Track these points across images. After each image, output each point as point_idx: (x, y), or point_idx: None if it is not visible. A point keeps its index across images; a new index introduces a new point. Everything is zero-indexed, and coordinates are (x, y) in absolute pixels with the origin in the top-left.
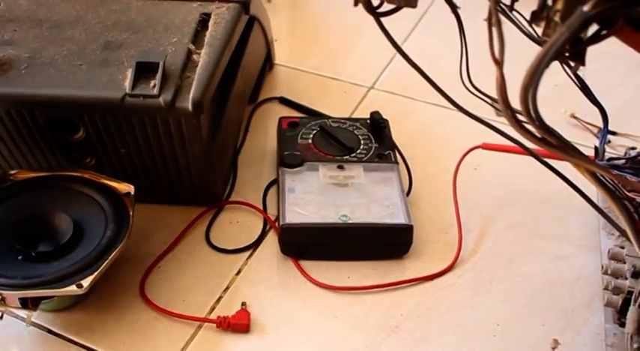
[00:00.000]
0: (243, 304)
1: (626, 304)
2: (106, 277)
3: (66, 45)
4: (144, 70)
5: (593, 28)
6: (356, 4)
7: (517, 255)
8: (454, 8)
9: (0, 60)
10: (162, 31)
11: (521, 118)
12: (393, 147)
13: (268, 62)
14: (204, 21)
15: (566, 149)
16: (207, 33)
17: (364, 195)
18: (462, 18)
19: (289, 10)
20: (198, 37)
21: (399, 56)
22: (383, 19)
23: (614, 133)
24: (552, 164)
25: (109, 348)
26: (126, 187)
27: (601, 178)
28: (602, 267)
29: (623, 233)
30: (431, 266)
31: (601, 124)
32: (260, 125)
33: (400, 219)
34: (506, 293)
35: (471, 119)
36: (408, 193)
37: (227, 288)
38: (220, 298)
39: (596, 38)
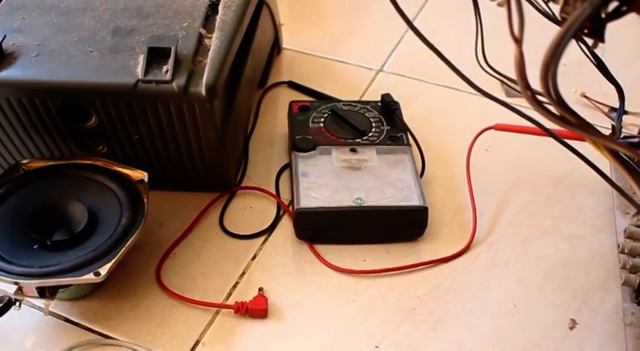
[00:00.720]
0: (261, 289)
1: None
2: (122, 264)
3: (75, 32)
4: (156, 56)
5: (613, 5)
6: None
7: (532, 236)
8: None
9: (7, 49)
10: (172, 16)
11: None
12: (405, 129)
13: (276, 46)
14: (214, 5)
15: (586, 128)
16: (218, 17)
17: (378, 178)
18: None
19: None
20: (208, 21)
21: (406, 38)
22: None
23: (625, 112)
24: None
25: (126, 335)
26: (139, 174)
27: (620, 155)
28: (619, 246)
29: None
30: (446, 248)
31: (611, 103)
32: (269, 110)
33: (415, 201)
34: (522, 274)
35: (482, 100)
36: (422, 176)
37: (243, 273)
38: (237, 283)
39: (617, 14)
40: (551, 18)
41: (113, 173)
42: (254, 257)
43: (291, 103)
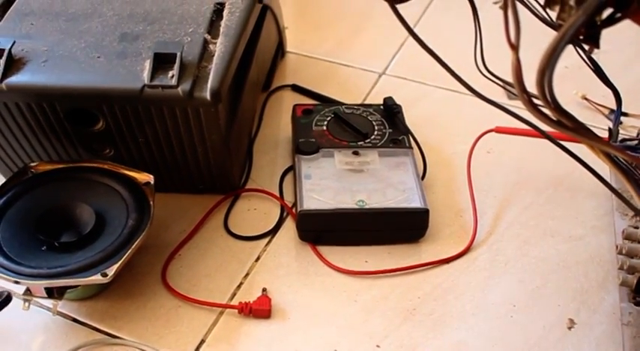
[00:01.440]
0: (264, 290)
1: None
2: (128, 265)
3: (83, 37)
4: (161, 61)
5: (607, 12)
6: None
7: (532, 237)
8: None
9: (16, 55)
10: (178, 21)
11: (535, 101)
12: (407, 132)
13: (280, 50)
14: (218, 11)
15: (582, 131)
16: (222, 23)
17: (380, 180)
18: (475, 1)
19: None
20: (213, 26)
21: (409, 41)
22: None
23: (625, 114)
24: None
25: (132, 335)
26: (145, 177)
27: (616, 159)
28: (617, 247)
29: (637, 212)
30: (447, 249)
31: (612, 106)
32: (273, 113)
33: (416, 203)
34: (522, 274)
35: (483, 103)
36: (423, 178)
37: (247, 274)
38: (241, 284)
39: (611, 21)
40: (550, 24)
41: (120, 176)
42: (258, 258)
43: (295, 107)
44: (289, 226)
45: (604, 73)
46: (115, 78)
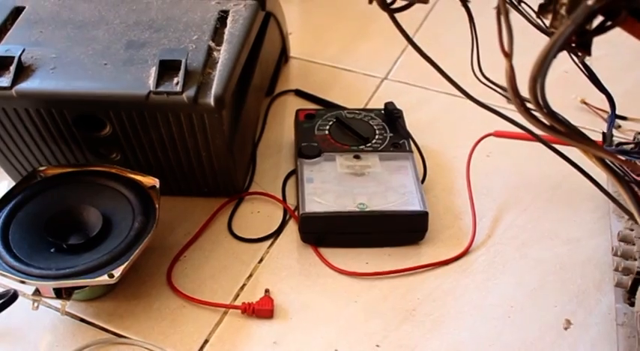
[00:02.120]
0: (267, 290)
1: (635, 284)
2: (135, 267)
3: (91, 45)
4: (167, 68)
5: (598, 20)
6: (370, 2)
7: (530, 239)
8: (464, 2)
9: (25, 62)
10: (183, 29)
11: (530, 106)
12: (408, 136)
13: (284, 55)
14: (222, 18)
15: (574, 136)
16: (226, 30)
17: (380, 183)
18: (472, 7)
19: (302, 3)
20: (217, 34)
21: (411, 47)
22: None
23: (624, 118)
24: (561, 150)
25: (138, 334)
26: (151, 181)
27: (609, 163)
28: (613, 249)
29: (631, 216)
30: (446, 251)
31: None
32: (277, 117)
33: (416, 206)
34: (520, 276)
35: (483, 108)
36: (423, 181)
37: (250, 275)
38: (244, 285)
39: (601, 29)
40: (545, 31)
41: (126, 180)
42: (261, 260)
43: (298, 111)
44: (292, 229)
45: (597, 79)
46: (122, 84)
